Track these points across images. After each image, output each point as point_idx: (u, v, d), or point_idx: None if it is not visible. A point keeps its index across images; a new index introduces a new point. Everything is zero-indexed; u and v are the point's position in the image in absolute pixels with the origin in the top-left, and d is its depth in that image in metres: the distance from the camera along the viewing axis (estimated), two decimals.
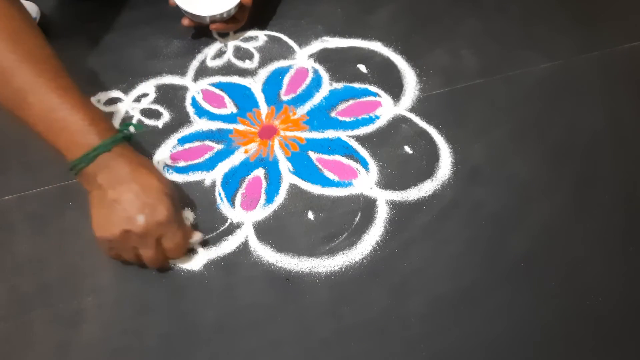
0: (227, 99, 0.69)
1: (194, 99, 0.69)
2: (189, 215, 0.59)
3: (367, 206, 0.59)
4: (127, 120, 0.67)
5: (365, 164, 0.62)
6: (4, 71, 0.51)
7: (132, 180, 0.51)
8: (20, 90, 0.51)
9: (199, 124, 0.67)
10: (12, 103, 0.52)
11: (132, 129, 0.56)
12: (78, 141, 0.51)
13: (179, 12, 0.71)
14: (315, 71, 0.71)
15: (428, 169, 0.61)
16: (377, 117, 0.66)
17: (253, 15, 0.76)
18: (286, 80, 0.70)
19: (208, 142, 0.65)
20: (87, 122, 0.52)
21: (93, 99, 0.69)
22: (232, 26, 0.73)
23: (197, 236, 0.55)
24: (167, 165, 0.63)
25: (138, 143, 0.64)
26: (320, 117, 0.66)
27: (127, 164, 0.52)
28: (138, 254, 0.52)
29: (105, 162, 0.51)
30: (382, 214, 0.58)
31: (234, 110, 0.68)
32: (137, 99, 0.69)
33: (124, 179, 0.51)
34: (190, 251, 0.56)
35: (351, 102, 0.68)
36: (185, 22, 0.72)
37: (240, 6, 0.71)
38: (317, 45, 0.73)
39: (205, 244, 0.57)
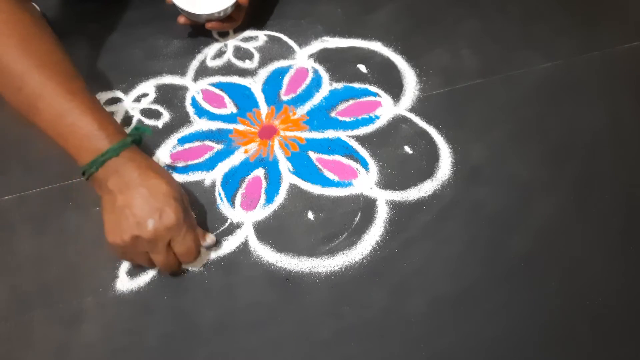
0: (227, 99, 0.69)
1: (193, 99, 0.69)
2: None
3: (367, 206, 0.59)
4: (126, 120, 0.67)
5: (365, 164, 0.62)
6: (15, 78, 0.52)
7: (141, 184, 0.51)
8: (30, 96, 0.52)
9: (199, 124, 0.67)
10: (25, 109, 0.53)
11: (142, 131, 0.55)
12: (87, 146, 0.51)
13: (178, 12, 0.71)
14: (315, 71, 0.71)
15: (428, 169, 0.61)
16: (377, 117, 0.66)
17: (252, 15, 0.76)
18: (286, 80, 0.70)
19: (208, 142, 0.65)
20: (96, 126, 0.51)
21: None
22: (229, 25, 0.73)
23: (209, 239, 0.55)
24: (167, 165, 0.63)
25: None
26: (320, 117, 0.66)
27: (136, 169, 0.52)
28: (150, 258, 0.52)
29: (115, 167, 0.51)
30: (382, 214, 0.58)
31: (234, 110, 0.68)
32: (137, 99, 0.69)
33: (132, 183, 0.51)
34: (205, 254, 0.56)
35: (351, 102, 0.68)
36: (182, 20, 0.72)
37: (236, 5, 0.71)
38: (317, 45, 0.73)
39: (218, 245, 0.57)
